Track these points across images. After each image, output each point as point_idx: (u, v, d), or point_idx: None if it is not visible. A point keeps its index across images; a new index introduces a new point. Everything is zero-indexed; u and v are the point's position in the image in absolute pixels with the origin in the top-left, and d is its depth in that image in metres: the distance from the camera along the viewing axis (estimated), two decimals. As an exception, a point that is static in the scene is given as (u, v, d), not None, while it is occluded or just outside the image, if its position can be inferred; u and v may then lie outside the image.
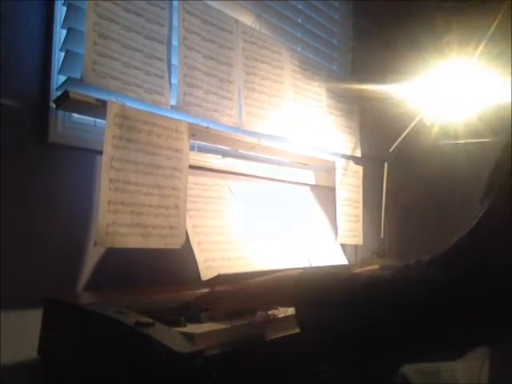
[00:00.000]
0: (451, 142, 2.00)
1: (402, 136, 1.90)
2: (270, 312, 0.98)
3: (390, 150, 1.94)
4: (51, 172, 1.08)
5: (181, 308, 0.95)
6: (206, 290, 1.03)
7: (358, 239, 1.77)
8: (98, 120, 1.13)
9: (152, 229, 1.09)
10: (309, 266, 1.42)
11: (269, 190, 1.51)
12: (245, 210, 1.36)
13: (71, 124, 1.12)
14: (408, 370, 1.14)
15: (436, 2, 1.94)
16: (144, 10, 1.15)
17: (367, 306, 0.74)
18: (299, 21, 1.78)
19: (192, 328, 0.81)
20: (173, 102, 1.20)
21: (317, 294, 0.81)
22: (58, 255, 1.07)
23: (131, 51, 1.11)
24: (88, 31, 1.03)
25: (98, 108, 1.04)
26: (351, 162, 1.80)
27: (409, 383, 1.12)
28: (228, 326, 0.86)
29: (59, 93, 1.05)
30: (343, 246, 1.67)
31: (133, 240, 1.05)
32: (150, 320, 0.76)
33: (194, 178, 1.24)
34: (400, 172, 2.02)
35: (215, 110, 1.29)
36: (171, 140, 1.15)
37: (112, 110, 1.04)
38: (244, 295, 0.93)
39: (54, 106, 1.06)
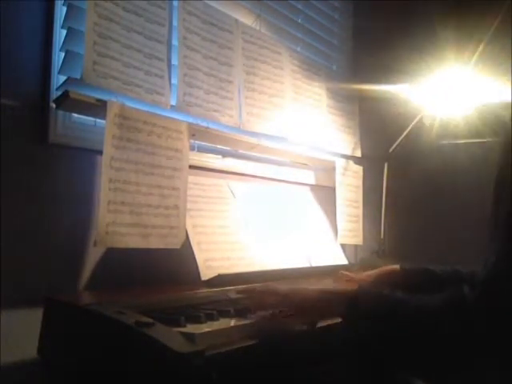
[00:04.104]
0: (451, 141, 2.00)
1: (402, 136, 1.90)
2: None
3: (390, 150, 1.94)
4: (51, 172, 1.08)
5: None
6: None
7: (358, 239, 1.77)
8: (98, 120, 1.13)
9: (152, 229, 1.09)
10: (309, 265, 1.42)
11: (269, 190, 1.51)
12: (245, 209, 1.36)
13: (71, 124, 1.12)
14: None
15: (436, 1, 1.93)
16: (144, 9, 1.15)
17: (416, 336, 0.79)
18: (299, 21, 1.78)
19: (192, 328, 0.81)
20: (173, 102, 1.20)
21: (365, 314, 0.86)
22: (58, 255, 1.07)
23: (131, 51, 1.11)
24: (88, 31, 1.03)
25: (98, 108, 1.04)
26: (351, 162, 1.80)
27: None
28: (228, 325, 0.86)
29: (59, 93, 1.05)
30: (343, 245, 1.67)
31: (133, 240, 1.05)
32: (150, 320, 0.76)
33: (193, 178, 1.24)
34: (400, 172, 2.02)
35: (215, 110, 1.29)
36: (171, 140, 1.15)
37: (112, 110, 1.04)
38: (296, 301, 0.94)
39: (54, 105, 1.06)
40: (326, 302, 0.92)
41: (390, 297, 0.87)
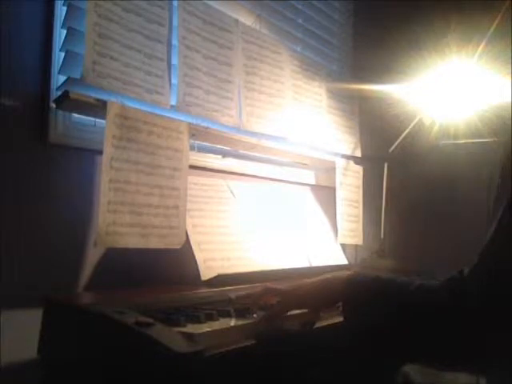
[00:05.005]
0: (451, 141, 2.00)
1: (402, 136, 1.90)
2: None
3: (390, 150, 1.94)
4: (51, 172, 1.08)
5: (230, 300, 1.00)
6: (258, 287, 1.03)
7: (358, 239, 1.78)
8: (98, 120, 1.13)
9: (152, 229, 1.09)
10: (309, 265, 1.42)
11: (269, 190, 1.51)
12: (245, 209, 1.36)
13: (71, 124, 1.12)
14: (409, 368, 1.14)
15: (436, 1, 1.93)
16: (144, 9, 1.15)
17: (414, 311, 0.80)
18: (299, 21, 1.78)
19: (192, 328, 0.81)
20: (173, 102, 1.20)
21: (365, 294, 0.87)
22: (58, 255, 1.07)
23: (131, 51, 1.11)
24: (88, 31, 1.03)
25: (98, 108, 1.04)
26: (351, 162, 1.80)
27: (410, 382, 1.13)
28: (228, 326, 0.86)
29: (59, 93, 1.05)
30: (343, 245, 1.67)
31: (133, 240, 1.05)
32: (150, 320, 0.76)
33: (193, 178, 1.25)
34: (400, 172, 2.02)
35: (215, 110, 1.29)
36: (171, 140, 1.15)
37: (112, 110, 1.04)
38: (297, 295, 0.95)
39: (54, 105, 1.06)
40: (325, 290, 0.92)
41: (390, 278, 0.88)
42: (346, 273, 0.94)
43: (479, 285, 0.74)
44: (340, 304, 0.92)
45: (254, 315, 0.94)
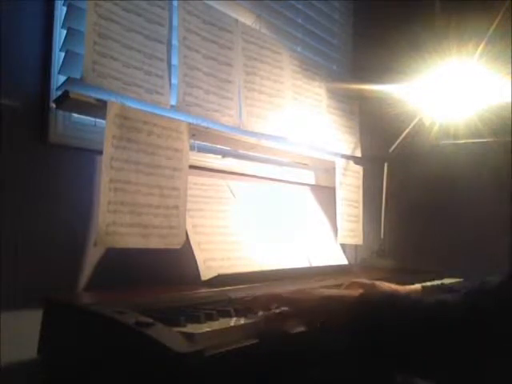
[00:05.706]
0: (451, 142, 2.00)
1: (402, 136, 1.90)
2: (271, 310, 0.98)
3: (390, 150, 1.94)
4: (51, 172, 1.08)
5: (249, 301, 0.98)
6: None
7: (358, 239, 1.77)
8: (98, 120, 1.13)
9: (152, 229, 1.09)
10: (309, 265, 1.42)
11: (269, 190, 1.51)
12: (245, 209, 1.36)
13: (71, 124, 1.12)
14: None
15: (436, 1, 1.93)
16: (144, 9, 1.15)
17: (430, 325, 0.77)
18: (299, 21, 1.78)
19: (192, 328, 0.81)
20: (173, 102, 1.20)
21: (378, 312, 0.84)
22: (58, 255, 1.07)
23: (131, 51, 1.11)
24: (88, 31, 1.03)
25: (98, 108, 1.04)
26: (351, 162, 1.80)
27: (410, 382, 1.12)
28: (228, 325, 0.86)
29: (59, 93, 1.05)
30: (343, 245, 1.67)
31: (133, 240, 1.05)
32: (150, 320, 0.76)
33: (193, 178, 1.24)
34: (400, 172, 2.02)
35: (215, 110, 1.29)
36: (171, 140, 1.15)
37: (112, 110, 1.04)
38: (306, 305, 0.93)
39: (54, 105, 1.06)
40: (327, 309, 0.90)
41: (404, 295, 0.85)
42: (350, 294, 0.92)
43: (502, 299, 0.72)
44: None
45: (259, 313, 0.94)
